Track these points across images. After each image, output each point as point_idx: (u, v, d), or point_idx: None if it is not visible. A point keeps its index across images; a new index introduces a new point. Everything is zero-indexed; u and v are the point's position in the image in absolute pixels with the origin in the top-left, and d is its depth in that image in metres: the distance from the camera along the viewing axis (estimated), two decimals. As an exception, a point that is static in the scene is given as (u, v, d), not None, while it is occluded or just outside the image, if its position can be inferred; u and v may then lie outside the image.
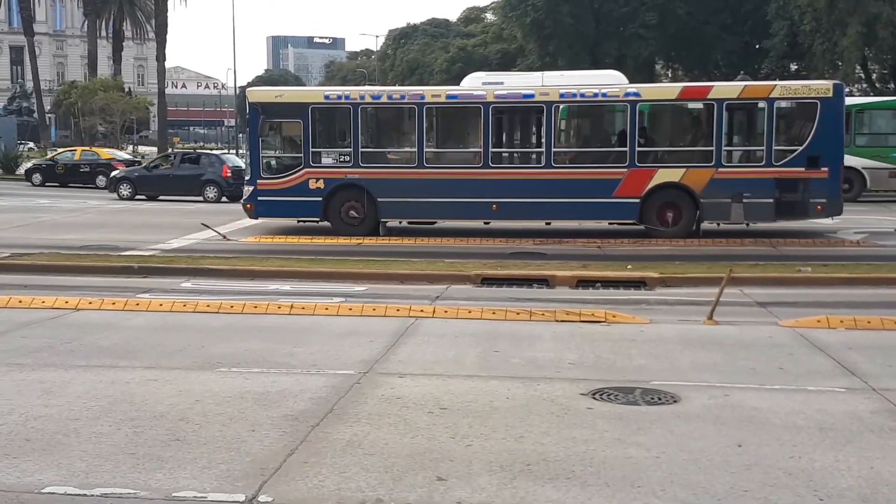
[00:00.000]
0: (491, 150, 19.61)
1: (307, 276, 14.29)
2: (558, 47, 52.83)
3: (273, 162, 20.66)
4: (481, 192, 19.40)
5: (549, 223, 20.33)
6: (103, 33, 71.51)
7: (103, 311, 11.12)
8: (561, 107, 20.02)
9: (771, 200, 18.77)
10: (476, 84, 20.30)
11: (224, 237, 19.25)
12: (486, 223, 20.50)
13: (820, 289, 13.19)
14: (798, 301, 12.23)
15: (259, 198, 20.15)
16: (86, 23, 72.30)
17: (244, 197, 20.75)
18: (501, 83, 20.26)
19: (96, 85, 60.66)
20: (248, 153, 20.63)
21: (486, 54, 73.46)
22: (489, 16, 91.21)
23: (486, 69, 39.36)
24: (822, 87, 19.16)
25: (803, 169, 18.66)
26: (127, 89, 70.30)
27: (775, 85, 19.58)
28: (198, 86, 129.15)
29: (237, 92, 71.30)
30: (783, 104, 19.02)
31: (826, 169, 18.62)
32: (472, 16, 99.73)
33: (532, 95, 19.56)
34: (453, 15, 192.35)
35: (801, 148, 18.78)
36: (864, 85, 45.83)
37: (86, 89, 60.88)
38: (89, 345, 9.26)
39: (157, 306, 11.37)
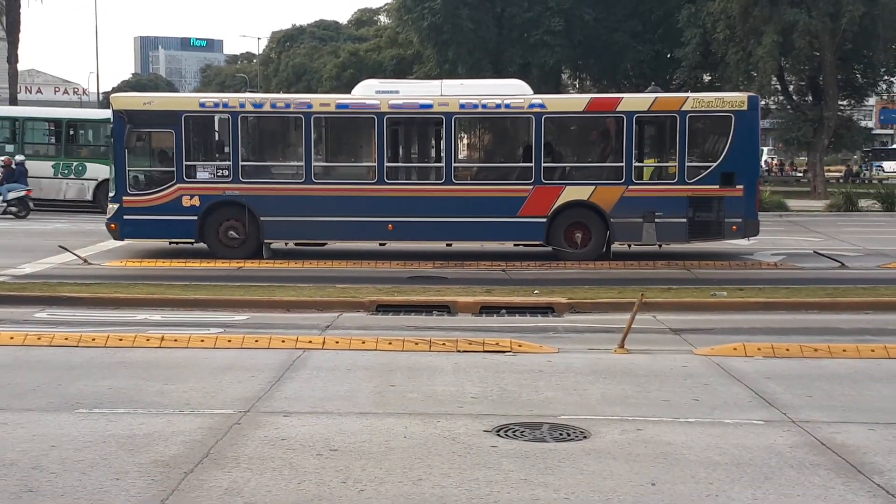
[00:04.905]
0: (386, 164, 19.64)
1: (180, 304, 14.06)
2: (458, 54, 53.20)
3: (141, 176, 20.25)
4: (376, 210, 19.41)
5: (450, 244, 20.45)
6: (-56, 30, 69.16)
7: (-57, 346, 10.71)
8: (461, 118, 20.21)
9: (684, 220, 19.29)
10: (369, 92, 20.35)
11: (85, 261, 18.76)
12: (381, 244, 20.53)
13: (736, 314, 13.60)
14: (714, 327, 12.59)
15: (125, 216, 19.72)
16: (-77, 18, 69.79)
17: (108, 216, 20.28)
18: (397, 92, 20.36)
19: (-65, 90, 58.56)
20: (113, 167, 20.20)
21: (380, 60, 73.57)
22: (383, 18, 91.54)
23: (379, 76, 39.50)
24: (736, 99, 19.81)
25: (717, 187, 19.22)
26: (-28, 94, 68.00)
27: (687, 97, 20.17)
28: (55, 91, 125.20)
29: (101, 98, 69.86)
30: (696, 117, 19.58)
31: (741, 186, 19.23)
32: (363, 18, 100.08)
33: (430, 106, 19.70)
34: (343, 17, 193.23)
35: (714, 164, 19.37)
36: (781, 97, 47.44)
37: (-78, 94, 58.74)
38: (-73, 385, 8.90)
39: (6, 340, 11.00)
